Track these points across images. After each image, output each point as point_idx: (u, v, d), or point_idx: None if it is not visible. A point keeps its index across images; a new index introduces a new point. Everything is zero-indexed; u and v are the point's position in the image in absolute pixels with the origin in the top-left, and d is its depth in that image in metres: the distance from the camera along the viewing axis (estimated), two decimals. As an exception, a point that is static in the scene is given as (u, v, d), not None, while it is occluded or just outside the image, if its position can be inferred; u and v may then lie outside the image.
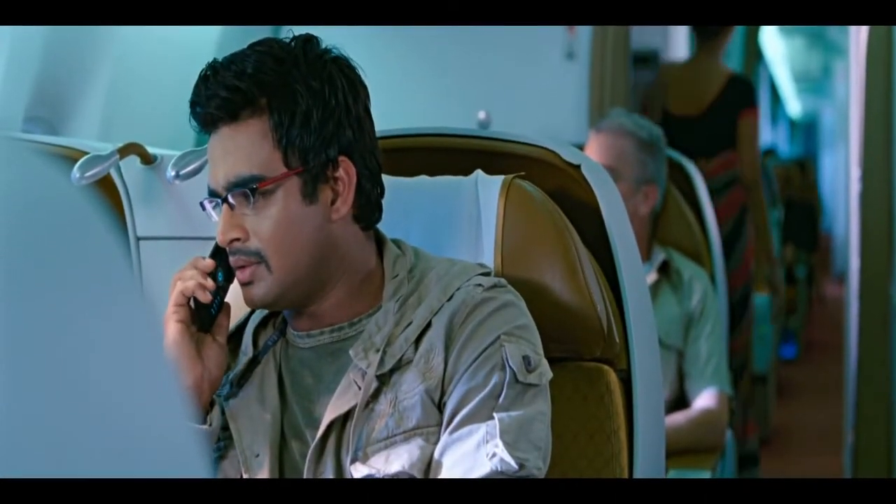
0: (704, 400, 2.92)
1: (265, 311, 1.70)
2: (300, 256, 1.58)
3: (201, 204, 1.63)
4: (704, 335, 2.97)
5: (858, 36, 4.55)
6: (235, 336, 1.70)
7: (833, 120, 8.97)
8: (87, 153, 2.20)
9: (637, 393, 1.77)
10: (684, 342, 2.97)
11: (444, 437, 1.54)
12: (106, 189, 2.25)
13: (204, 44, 3.31)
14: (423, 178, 1.81)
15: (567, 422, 1.72)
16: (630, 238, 1.89)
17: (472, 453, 1.51)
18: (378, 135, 1.66)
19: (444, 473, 1.52)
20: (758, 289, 4.71)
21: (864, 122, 4.30)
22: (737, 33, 6.17)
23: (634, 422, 1.76)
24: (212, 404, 1.64)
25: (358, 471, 1.55)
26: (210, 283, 1.61)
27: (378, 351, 1.57)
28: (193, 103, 1.59)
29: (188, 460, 0.60)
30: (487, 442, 1.51)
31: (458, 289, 1.60)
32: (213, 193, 1.61)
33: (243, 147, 1.58)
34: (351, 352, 1.58)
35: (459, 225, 1.76)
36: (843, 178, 6.11)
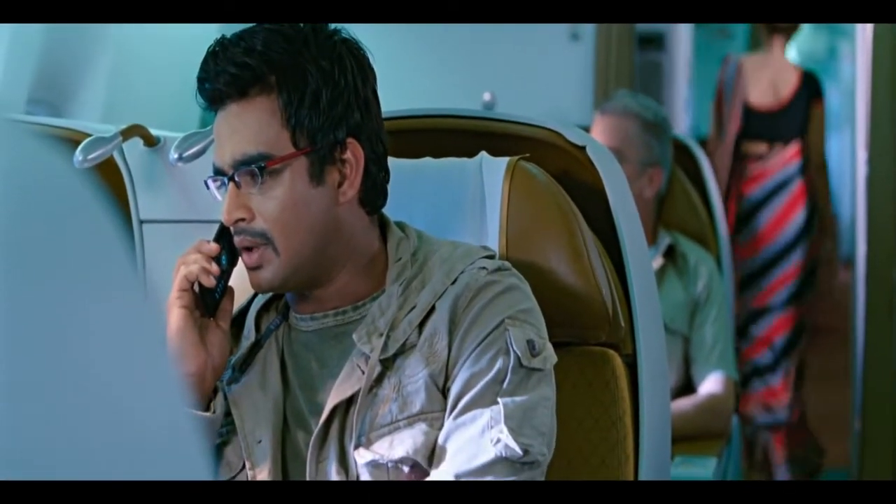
0: (710, 385, 2.91)
1: (268, 295, 1.69)
2: (306, 238, 1.57)
3: (205, 182, 1.62)
4: (710, 320, 2.95)
5: (864, 18, 4.52)
6: (238, 320, 1.68)
7: (839, 102, 8.92)
8: (89, 135, 2.19)
9: (643, 378, 1.76)
10: (690, 327, 2.96)
11: (448, 423, 1.53)
12: (109, 171, 2.24)
13: (208, 25, 3.29)
14: (428, 159, 1.79)
15: (572, 407, 1.71)
16: (636, 221, 1.87)
17: (476, 439, 1.50)
18: (383, 116, 1.64)
19: (448, 459, 1.51)
20: None
21: (870, 105, 4.28)
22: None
23: (640, 407, 1.75)
24: (215, 391, 1.62)
25: (361, 456, 1.54)
26: (215, 267, 1.59)
27: (381, 335, 1.56)
28: (201, 79, 1.58)
29: (188, 450, 0.59)
30: (492, 427, 1.50)
31: (462, 272, 1.58)
32: (218, 172, 1.60)
33: (251, 125, 1.56)
34: (354, 336, 1.57)
35: (463, 207, 1.75)
36: (849, 161, 6.08)
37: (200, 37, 1.76)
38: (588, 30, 4.31)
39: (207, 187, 1.62)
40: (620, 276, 1.80)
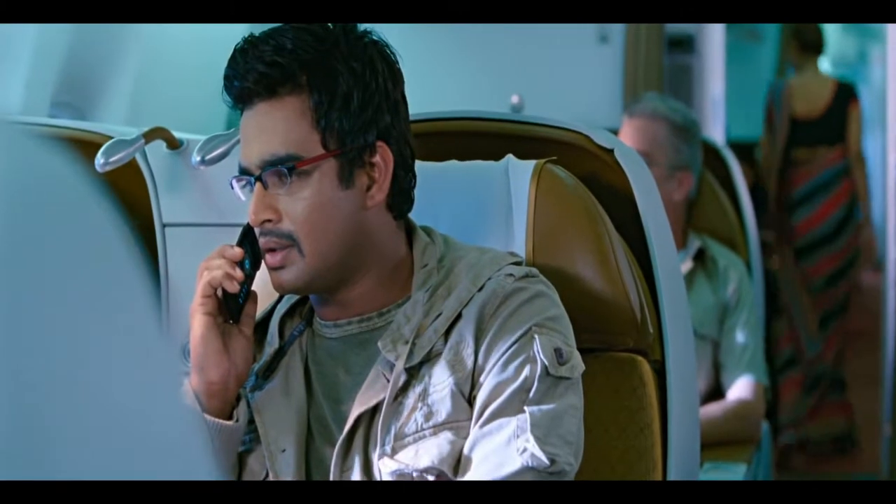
0: (740, 390, 2.88)
1: (292, 300, 1.67)
2: (333, 241, 1.55)
3: (230, 182, 1.59)
4: (740, 325, 2.93)
5: None
6: (261, 326, 1.66)
7: (870, 105, 8.89)
8: (112, 138, 2.17)
9: (671, 385, 1.73)
10: (719, 332, 2.93)
11: (474, 432, 1.50)
12: (131, 174, 2.23)
13: (233, 26, 3.28)
14: (454, 162, 1.78)
15: (599, 414, 1.69)
16: (665, 225, 1.85)
17: (502, 448, 1.47)
18: (410, 118, 1.62)
19: (474, 468, 1.49)
20: None
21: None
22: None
23: (668, 414, 1.72)
24: (238, 399, 1.60)
25: (386, 466, 1.51)
26: (239, 273, 1.57)
27: (407, 343, 1.53)
28: (228, 77, 1.55)
29: (194, 459, 0.59)
30: (518, 437, 1.47)
31: (489, 279, 1.56)
32: (244, 172, 1.57)
33: (280, 125, 1.54)
34: (379, 343, 1.54)
35: (490, 211, 1.73)
36: (880, 164, 6.06)
37: (226, 38, 1.74)
38: (617, 32, 4.29)
39: (232, 187, 1.59)
40: (649, 280, 1.78)
